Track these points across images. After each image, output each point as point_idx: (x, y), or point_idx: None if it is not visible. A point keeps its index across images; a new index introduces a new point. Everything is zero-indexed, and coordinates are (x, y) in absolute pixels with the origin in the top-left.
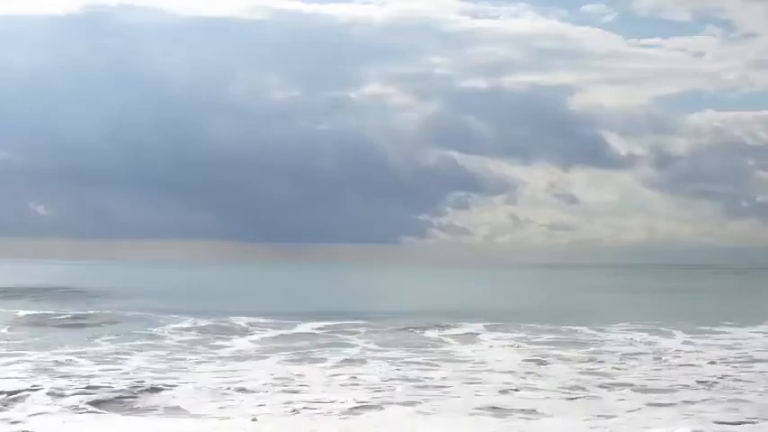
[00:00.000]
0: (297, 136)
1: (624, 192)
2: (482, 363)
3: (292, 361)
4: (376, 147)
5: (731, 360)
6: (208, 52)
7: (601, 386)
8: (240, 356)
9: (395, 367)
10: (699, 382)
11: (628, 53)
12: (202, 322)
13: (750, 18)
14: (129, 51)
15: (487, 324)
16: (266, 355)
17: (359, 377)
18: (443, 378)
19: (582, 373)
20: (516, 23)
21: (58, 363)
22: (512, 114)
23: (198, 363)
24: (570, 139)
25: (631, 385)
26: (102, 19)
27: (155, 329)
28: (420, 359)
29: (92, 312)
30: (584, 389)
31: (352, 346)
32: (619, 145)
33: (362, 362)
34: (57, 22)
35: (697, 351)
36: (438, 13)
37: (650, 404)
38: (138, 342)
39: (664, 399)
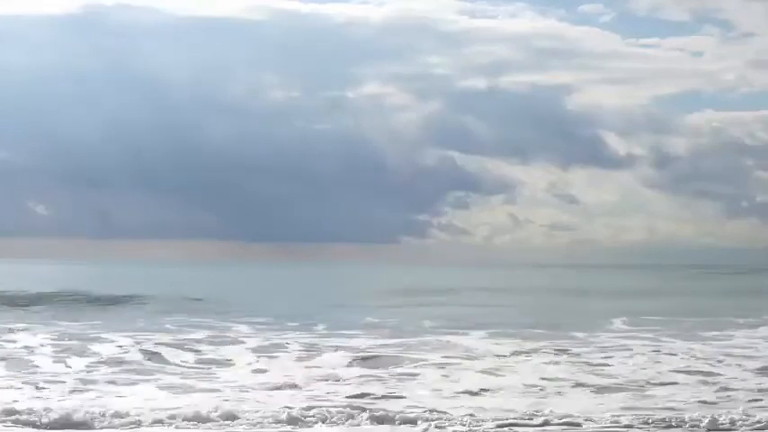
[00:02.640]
0: (296, 136)
1: (624, 192)
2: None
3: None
4: (375, 147)
5: None
6: (206, 52)
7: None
8: None
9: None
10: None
11: (626, 53)
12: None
13: (749, 18)
14: (127, 51)
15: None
16: None
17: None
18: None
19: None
20: (514, 23)
21: None
22: (511, 114)
23: None
24: (569, 139)
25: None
26: (100, 19)
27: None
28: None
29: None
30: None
31: None
32: (618, 145)
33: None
34: (56, 22)
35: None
36: (436, 13)
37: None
38: None
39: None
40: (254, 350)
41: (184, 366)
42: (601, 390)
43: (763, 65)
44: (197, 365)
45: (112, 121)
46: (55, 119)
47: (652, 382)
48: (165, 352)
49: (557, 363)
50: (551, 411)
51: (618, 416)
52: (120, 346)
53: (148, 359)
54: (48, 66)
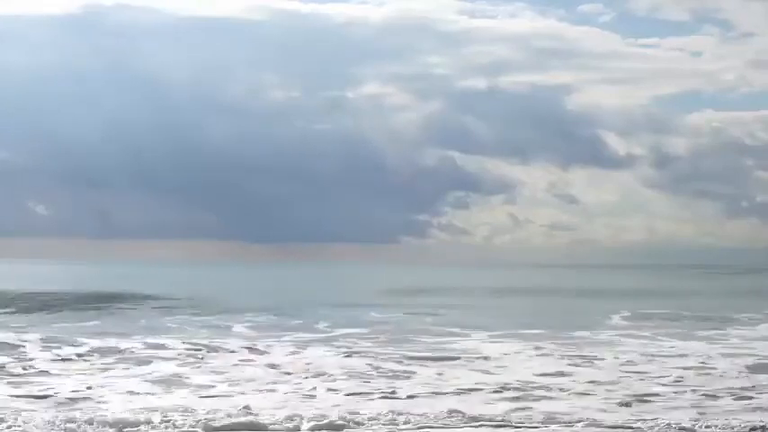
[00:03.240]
0: (296, 136)
1: (624, 192)
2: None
3: None
4: (375, 147)
5: None
6: (206, 52)
7: None
8: None
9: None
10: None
11: (626, 53)
12: None
13: (748, 17)
14: (127, 51)
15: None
16: None
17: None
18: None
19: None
20: (514, 23)
21: None
22: (510, 114)
23: None
24: (569, 139)
25: None
26: (100, 19)
27: None
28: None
29: None
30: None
31: None
32: (618, 145)
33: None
34: (56, 22)
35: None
36: (436, 13)
37: None
38: None
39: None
40: (255, 349)
41: (185, 365)
42: (599, 390)
43: (763, 65)
44: (198, 364)
45: (112, 121)
46: (55, 119)
47: (650, 381)
48: (166, 351)
49: (555, 362)
50: (549, 411)
51: (616, 416)
52: (122, 346)
53: (151, 358)
54: (48, 66)
